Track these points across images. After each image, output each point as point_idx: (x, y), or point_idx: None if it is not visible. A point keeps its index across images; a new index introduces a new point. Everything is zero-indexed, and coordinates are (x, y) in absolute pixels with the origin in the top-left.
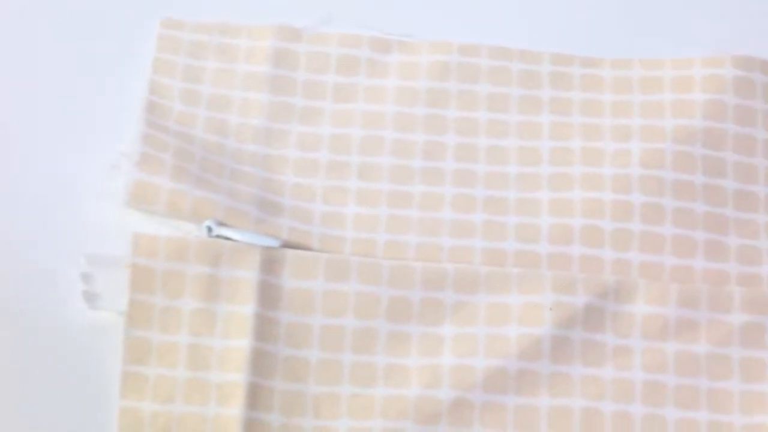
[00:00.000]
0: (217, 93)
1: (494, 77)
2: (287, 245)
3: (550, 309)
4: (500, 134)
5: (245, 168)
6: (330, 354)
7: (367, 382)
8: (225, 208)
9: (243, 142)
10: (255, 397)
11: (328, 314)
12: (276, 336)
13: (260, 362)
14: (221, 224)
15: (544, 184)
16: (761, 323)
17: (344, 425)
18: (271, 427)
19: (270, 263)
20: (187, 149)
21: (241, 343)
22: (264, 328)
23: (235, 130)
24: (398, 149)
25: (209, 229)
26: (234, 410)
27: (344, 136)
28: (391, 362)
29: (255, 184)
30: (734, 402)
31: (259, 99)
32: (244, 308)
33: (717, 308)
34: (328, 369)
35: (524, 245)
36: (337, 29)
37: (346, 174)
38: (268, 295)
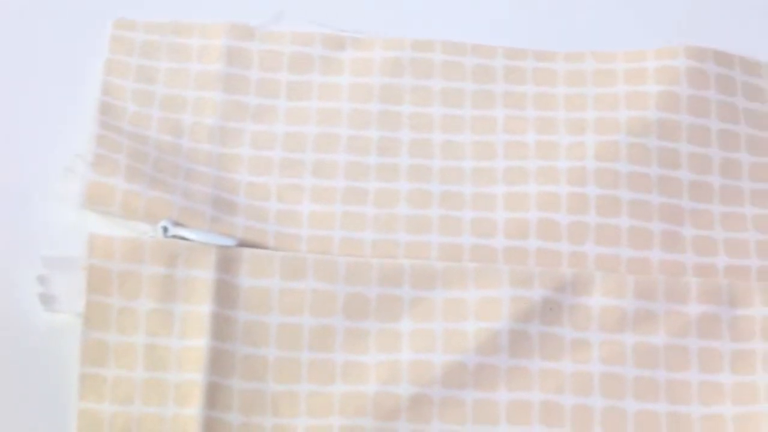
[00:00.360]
0: (171, 93)
1: (448, 72)
2: (243, 244)
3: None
4: (455, 129)
5: (200, 167)
6: (288, 352)
7: (325, 380)
8: (180, 208)
9: (197, 141)
10: (214, 396)
11: (285, 312)
12: (233, 335)
13: (218, 361)
14: (177, 224)
15: (500, 178)
16: (717, 314)
17: (303, 423)
18: (231, 426)
19: (226, 262)
20: (142, 150)
21: (199, 343)
22: (221, 328)
23: (189, 129)
24: (353, 146)
25: (165, 230)
26: (193, 410)
27: (298, 134)
28: (349, 359)
29: (210, 184)
30: (692, 393)
31: (213, 98)
32: (201, 308)
33: (674, 299)
34: (287, 367)
35: (480, 240)
36: (290, 27)
37: (301, 172)
38: (225, 294)
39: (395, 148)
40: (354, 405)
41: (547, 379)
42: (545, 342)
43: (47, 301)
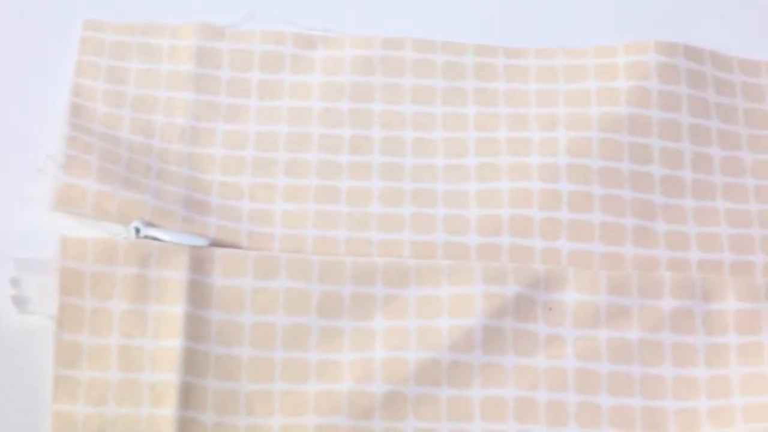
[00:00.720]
0: (142, 93)
1: (419, 70)
2: (216, 244)
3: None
4: (426, 127)
5: (172, 168)
6: (262, 351)
7: (299, 379)
8: (152, 209)
9: (169, 141)
10: (188, 396)
11: (258, 312)
12: (207, 335)
13: (192, 362)
14: (149, 225)
15: (472, 175)
16: (691, 308)
17: (278, 422)
18: (205, 426)
19: (199, 262)
20: (113, 151)
21: (173, 343)
22: (195, 328)
23: (161, 130)
24: (324, 145)
25: (137, 230)
26: (167, 410)
27: (270, 133)
28: (323, 358)
29: (182, 184)
30: (667, 388)
31: (184, 98)
32: (174, 308)
33: (647, 294)
34: (261, 366)
35: (453, 237)
36: (260, 26)
37: (273, 171)
38: (198, 294)
39: (367, 146)
40: (329, 404)
41: (521, 376)
42: (519, 338)
43: (20, 303)
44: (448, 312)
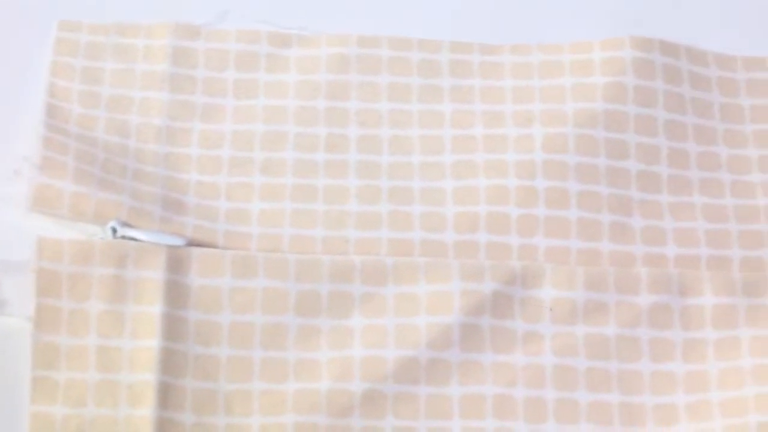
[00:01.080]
0: (117, 94)
1: (394, 67)
2: (193, 243)
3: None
4: (402, 124)
5: (148, 168)
6: (240, 351)
7: (278, 378)
8: (129, 209)
9: (145, 142)
10: (166, 396)
11: (236, 311)
12: (185, 335)
13: (170, 362)
14: (125, 225)
15: (448, 172)
16: (668, 303)
17: (257, 422)
18: (184, 426)
19: (176, 262)
20: (89, 151)
21: (151, 343)
22: (173, 328)
23: (137, 130)
24: (301, 143)
25: (114, 231)
26: (146, 411)
27: (246, 132)
28: (301, 357)
29: (158, 184)
30: (644, 383)
31: (160, 98)
32: (151, 308)
33: (624, 290)
34: (239, 366)
35: (430, 234)
36: (235, 25)
37: (250, 170)
38: (176, 294)
39: (343, 144)
40: (307, 402)
41: (499, 373)
42: (497, 335)
43: None
44: (426, 309)
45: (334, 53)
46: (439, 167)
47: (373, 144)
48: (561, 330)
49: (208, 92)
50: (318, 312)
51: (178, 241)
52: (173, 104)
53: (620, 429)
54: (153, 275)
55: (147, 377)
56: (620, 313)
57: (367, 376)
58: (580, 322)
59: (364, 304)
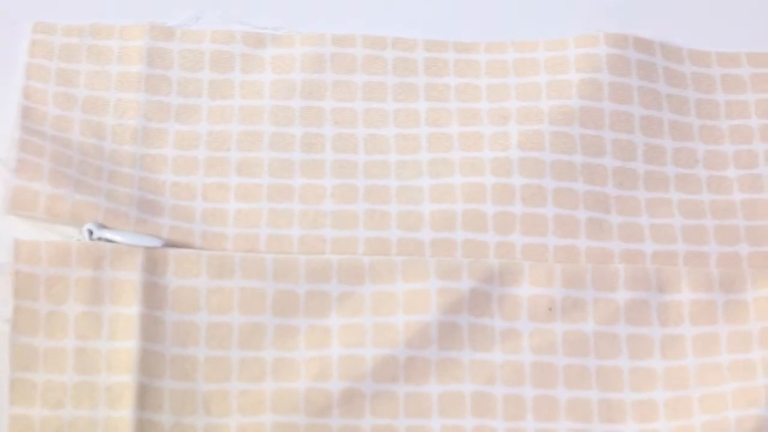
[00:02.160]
0: (92, 95)
1: (369, 66)
2: (169, 244)
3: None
4: (378, 123)
5: (124, 169)
6: (218, 351)
7: (256, 378)
8: (105, 210)
9: (120, 143)
10: (145, 397)
11: (213, 311)
12: (163, 335)
13: (148, 362)
14: (102, 227)
15: (425, 170)
16: (646, 300)
17: (235, 422)
18: (163, 426)
19: (153, 263)
20: (65, 153)
21: (128, 345)
22: (150, 329)
23: (112, 131)
24: (276, 143)
25: (90, 233)
26: (124, 412)
27: (222, 133)
28: (279, 356)
29: (134, 185)
30: (624, 379)
31: (135, 99)
32: (129, 309)
33: (602, 287)
34: (217, 366)
35: (407, 233)
36: (210, 26)
37: (226, 170)
38: (153, 295)
39: (319, 143)
40: (286, 402)
41: (478, 370)
42: (475, 333)
43: None
44: (403, 308)
45: (309, 52)
46: (415, 166)
47: (349, 143)
48: (539, 327)
49: (183, 93)
50: (295, 312)
51: (154, 242)
52: (148, 105)
53: (599, 426)
54: (130, 276)
55: (125, 379)
56: (598, 310)
57: (345, 375)
58: (558, 320)
59: (341, 303)
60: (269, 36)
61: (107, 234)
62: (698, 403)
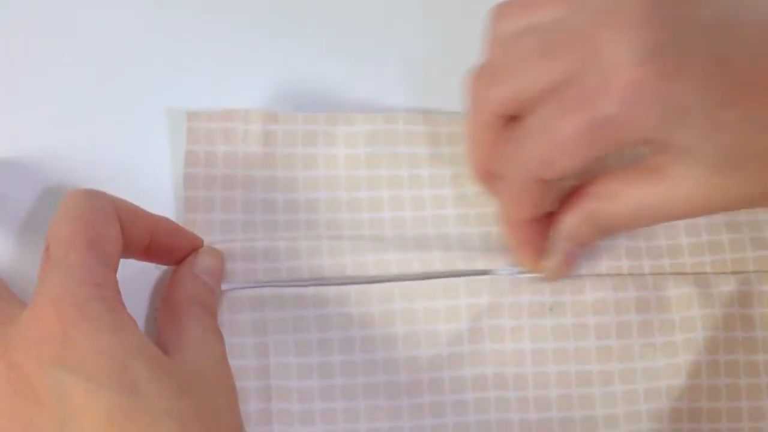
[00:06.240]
0: (225, 173)
1: (408, 139)
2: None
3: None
4: (416, 186)
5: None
6: None
7: None
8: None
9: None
10: None
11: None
12: None
13: None
14: None
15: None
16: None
17: None
18: None
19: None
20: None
21: None
22: None
23: (242, 204)
24: (350, 204)
25: None
26: None
27: (312, 199)
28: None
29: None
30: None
31: (253, 175)
32: None
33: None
34: None
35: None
36: (299, 110)
37: (317, 229)
38: None
39: (377, 205)
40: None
41: (495, 357)
42: (493, 331)
43: None
44: (444, 319)
45: (368, 130)
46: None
47: (397, 203)
48: (535, 323)
49: (285, 165)
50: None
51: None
52: (264, 180)
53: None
54: None
55: None
56: (596, 306)
57: (409, 369)
58: (552, 317)
59: (402, 315)
60: (342, 117)
61: None
62: (598, 378)
